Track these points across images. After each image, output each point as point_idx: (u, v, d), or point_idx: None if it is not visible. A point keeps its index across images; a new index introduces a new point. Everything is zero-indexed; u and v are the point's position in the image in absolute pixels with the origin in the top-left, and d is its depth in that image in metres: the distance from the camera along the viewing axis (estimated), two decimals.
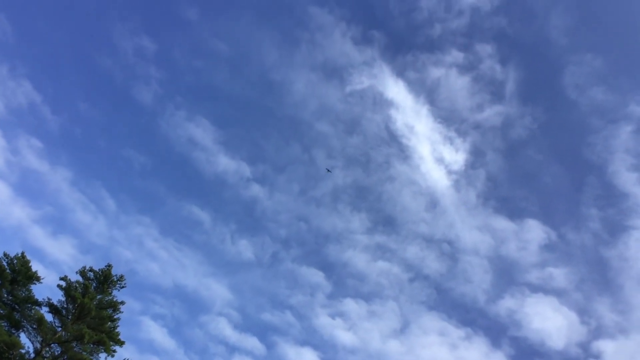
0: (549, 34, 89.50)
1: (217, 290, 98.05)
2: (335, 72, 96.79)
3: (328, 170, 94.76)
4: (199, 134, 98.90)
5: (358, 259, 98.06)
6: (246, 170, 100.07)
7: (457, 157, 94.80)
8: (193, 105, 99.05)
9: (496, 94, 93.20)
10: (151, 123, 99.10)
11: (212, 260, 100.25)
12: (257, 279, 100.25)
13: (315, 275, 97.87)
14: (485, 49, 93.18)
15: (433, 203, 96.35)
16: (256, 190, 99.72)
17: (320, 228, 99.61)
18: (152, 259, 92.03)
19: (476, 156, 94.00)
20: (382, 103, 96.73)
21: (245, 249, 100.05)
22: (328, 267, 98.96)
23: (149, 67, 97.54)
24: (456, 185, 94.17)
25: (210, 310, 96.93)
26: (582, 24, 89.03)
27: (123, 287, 33.02)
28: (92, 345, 30.08)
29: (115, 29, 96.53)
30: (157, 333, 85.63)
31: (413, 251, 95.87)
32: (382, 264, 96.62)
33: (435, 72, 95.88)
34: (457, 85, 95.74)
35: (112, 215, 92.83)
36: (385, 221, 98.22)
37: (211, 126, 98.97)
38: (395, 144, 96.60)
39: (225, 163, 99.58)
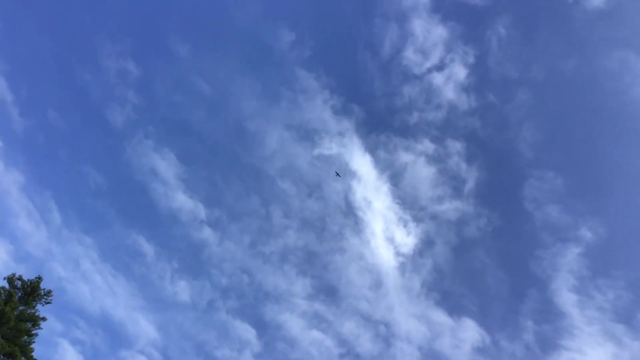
0: (518, 144, 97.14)
1: (144, 327, 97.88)
2: (307, 134, 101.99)
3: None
4: (162, 167, 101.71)
5: (293, 324, 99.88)
6: (201, 211, 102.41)
7: (408, 240, 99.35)
8: (163, 137, 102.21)
9: (457, 190, 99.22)
10: (117, 146, 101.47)
11: (146, 295, 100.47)
12: (188, 323, 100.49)
13: (248, 332, 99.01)
14: (455, 146, 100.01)
15: (377, 282, 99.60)
16: (207, 233, 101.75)
17: (263, 285, 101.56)
18: (85, 281, 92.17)
19: (427, 245, 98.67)
20: (346, 172, 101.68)
21: (182, 290, 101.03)
22: (262, 326, 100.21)
23: (127, 90, 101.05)
24: (402, 268, 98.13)
25: (132, 346, 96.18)
26: (550, 142, 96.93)
27: (48, 302, 34.16)
28: (2, 357, 30.33)
29: (104, 47, 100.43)
30: (72, 359, 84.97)
31: (349, 327, 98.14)
32: (316, 334, 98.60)
33: (404, 157, 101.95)
34: (422, 174, 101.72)
35: (55, 228, 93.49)
36: (328, 291, 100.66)
37: (176, 161, 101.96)
38: (351, 215, 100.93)
39: (182, 200, 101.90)
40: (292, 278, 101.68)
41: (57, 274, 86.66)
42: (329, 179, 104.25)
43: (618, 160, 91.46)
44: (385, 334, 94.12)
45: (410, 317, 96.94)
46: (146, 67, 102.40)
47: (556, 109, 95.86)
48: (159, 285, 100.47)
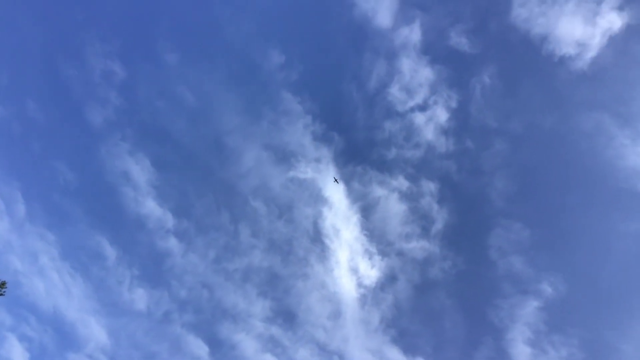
0: (489, 192, 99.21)
1: (96, 331, 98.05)
2: (285, 156, 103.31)
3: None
4: (136, 171, 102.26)
5: (248, 345, 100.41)
6: (169, 221, 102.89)
7: (371, 273, 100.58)
8: (140, 141, 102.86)
9: (426, 230, 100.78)
10: (92, 145, 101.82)
11: (102, 299, 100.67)
12: (141, 332, 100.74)
13: (200, 348, 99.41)
14: (428, 186, 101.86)
15: (337, 312, 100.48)
16: (172, 244, 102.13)
17: (222, 302, 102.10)
18: (41, 277, 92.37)
19: (389, 280, 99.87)
20: (318, 198, 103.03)
21: (140, 298, 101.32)
22: (216, 344, 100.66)
23: (110, 91, 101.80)
24: (363, 300, 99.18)
25: (81, 349, 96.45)
26: (521, 194, 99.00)
27: (1, 294, 34.34)
28: None
29: (92, 46, 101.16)
30: (17, 355, 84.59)
31: (303, 354, 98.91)
32: (269, 358, 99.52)
33: (378, 191, 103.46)
34: (394, 209, 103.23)
35: (18, 220, 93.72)
36: (287, 316, 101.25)
37: (150, 167, 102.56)
38: (318, 242, 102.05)
39: (151, 207, 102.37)
40: (252, 298, 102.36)
41: (13, 267, 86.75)
42: (300, 203, 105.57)
43: (584, 220, 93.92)
44: None
45: (365, 351, 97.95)
46: (132, 71, 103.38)
47: (530, 163, 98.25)
48: (116, 291, 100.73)
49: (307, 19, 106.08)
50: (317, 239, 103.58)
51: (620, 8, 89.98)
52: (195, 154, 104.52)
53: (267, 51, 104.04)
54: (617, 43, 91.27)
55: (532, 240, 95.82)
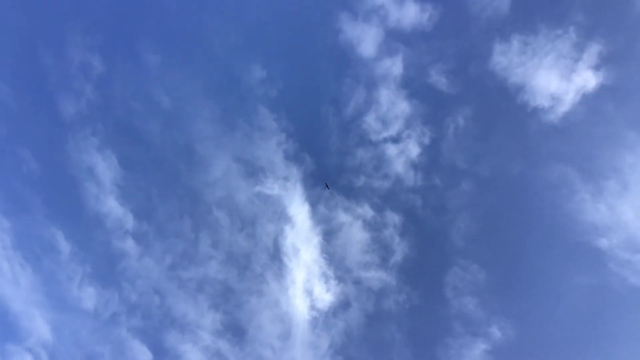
0: (451, 231, 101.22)
1: (39, 325, 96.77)
2: (254, 171, 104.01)
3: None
4: (102, 168, 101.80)
5: (193, 357, 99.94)
6: (129, 222, 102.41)
7: (326, 297, 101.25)
8: (110, 138, 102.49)
9: (385, 261, 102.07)
10: (60, 136, 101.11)
11: (50, 293, 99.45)
12: (85, 331, 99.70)
13: (144, 355, 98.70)
14: (393, 218, 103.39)
15: (287, 333, 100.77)
16: (129, 245, 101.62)
17: (172, 310, 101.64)
18: None
19: (343, 306, 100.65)
20: (281, 216, 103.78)
21: (89, 296, 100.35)
22: (160, 352, 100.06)
23: (86, 84, 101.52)
24: (314, 323, 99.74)
25: (22, 342, 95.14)
26: (481, 237, 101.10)
27: None
28: None
29: (74, 36, 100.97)
30: None
31: None
32: None
33: (342, 217, 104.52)
34: (356, 237, 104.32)
35: None
36: (236, 331, 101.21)
37: (117, 165, 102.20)
38: (277, 260, 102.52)
39: (113, 206, 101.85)
40: (203, 310, 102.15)
41: None
42: (263, 218, 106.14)
43: (539, 269, 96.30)
44: None
45: None
46: (111, 67, 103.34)
47: (494, 207, 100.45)
48: (66, 286, 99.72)
49: (293, 38, 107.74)
50: (276, 256, 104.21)
51: (596, 68, 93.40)
52: (164, 158, 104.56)
53: (250, 65, 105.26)
54: (590, 101, 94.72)
55: (487, 283, 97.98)
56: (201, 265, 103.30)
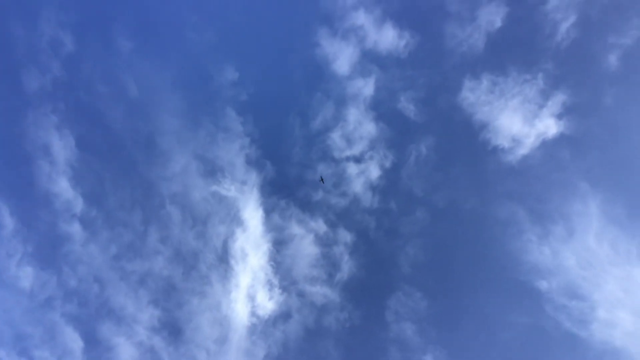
0: (399, 256, 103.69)
1: None
2: (213, 170, 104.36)
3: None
4: (57, 148, 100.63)
5: (125, 350, 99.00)
6: (79, 206, 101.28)
7: (268, 305, 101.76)
8: (70, 118, 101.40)
9: (332, 277, 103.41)
10: (18, 110, 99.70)
11: None
12: (18, 311, 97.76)
13: (75, 342, 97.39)
14: (345, 236, 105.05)
15: (224, 337, 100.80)
16: (75, 229, 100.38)
17: (110, 300, 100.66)
18: None
19: (283, 317, 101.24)
20: (234, 218, 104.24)
21: (26, 276, 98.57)
22: (92, 341, 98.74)
23: (54, 61, 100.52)
24: (252, 330, 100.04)
25: None
26: (428, 266, 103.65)
27: None
28: None
29: (48, 10, 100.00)
30: None
31: None
32: None
33: (295, 228, 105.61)
34: (306, 250, 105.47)
35: None
36: (173, 330, 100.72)
37: (74, 147, 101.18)
38: (223, 262, 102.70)
39: (64, 187, 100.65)
40: (142, 304, 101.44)
41: None
42: (215, 219, 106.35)
43: (479, 304, 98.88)
44: None
45: None
46: (82, 47, 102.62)
47: (444, 238, 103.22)
48: (4, 263, 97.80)
49: (269, 45, 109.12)
50: (224, 258, 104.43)
51: (558, 117, 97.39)
52: (123, 145, 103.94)
53: (223, 65, 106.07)
54: (548, 147, 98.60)
55: (428, 312, 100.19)
56: (147, 259, 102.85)
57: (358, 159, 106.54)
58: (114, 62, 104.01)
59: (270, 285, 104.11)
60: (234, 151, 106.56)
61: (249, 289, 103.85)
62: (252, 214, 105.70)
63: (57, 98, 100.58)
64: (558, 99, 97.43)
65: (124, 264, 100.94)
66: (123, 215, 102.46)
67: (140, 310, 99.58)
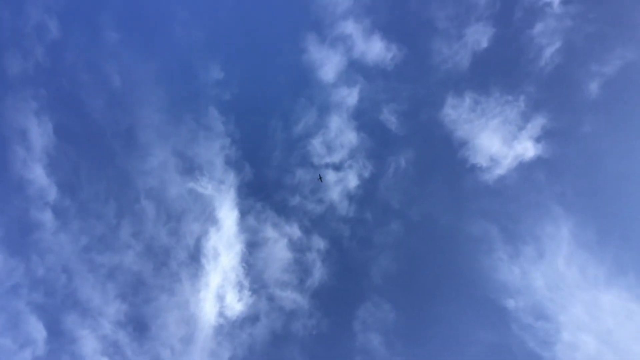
0: (370, 267, 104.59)
1: None
2: (191, 168, 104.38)
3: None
4: (35, 133, 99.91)
5: (88, 343, 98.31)
6: (52, 194, 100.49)
7: (236, 306, 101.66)
8: (50, 105, 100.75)
9: (302, 284, 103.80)
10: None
11: None
12: None
13: (39, 332, 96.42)
14: (319, 243, 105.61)
15: (190, 337, 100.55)
16: (47, 218, 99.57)
17: (76, 291, 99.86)
18: None
19: (251, 320, 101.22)
20: (209, 217, 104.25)
21: None
22: (56, 332, 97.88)
23: (38, 46, 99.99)
24: (218, 331, 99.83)
25: None
26: (399, 278, 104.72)
27: None
28: None
29: None
30: None
31: None
32: None
33: (270, 231, 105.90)
34: (279, 254, 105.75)
35: None
36: (138, 326, 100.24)
37: (52, 134, 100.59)
38: (195, 260, 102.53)
39: (39, 175, 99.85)
40: (109, 298, 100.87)
41: None
42: (190, 216, 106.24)
43: (446, 319, 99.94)
44: None
45: None
46: (67, 34, 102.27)
47: (417, 251, 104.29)
48: None
49: (257, 47, 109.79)
50: (195, 256, 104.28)
51: (537, 140, 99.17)
52: (102, 136, 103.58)
53: (209, 63, 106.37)
54: (525, 169, 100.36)
55: (395, 324, 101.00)
56: (117, 252, 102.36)
57: (337, 167, 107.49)
58: (99, 52, 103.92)
59: (240, 286, 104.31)
60: (213, 150, 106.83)
61: (218, 289, 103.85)
62: (227, 214, 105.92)
63: (39, 84, 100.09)
64: (538, 122, 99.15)
65: (93, 256, 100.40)
66: (96, 207, 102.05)
67: (107, 304, 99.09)
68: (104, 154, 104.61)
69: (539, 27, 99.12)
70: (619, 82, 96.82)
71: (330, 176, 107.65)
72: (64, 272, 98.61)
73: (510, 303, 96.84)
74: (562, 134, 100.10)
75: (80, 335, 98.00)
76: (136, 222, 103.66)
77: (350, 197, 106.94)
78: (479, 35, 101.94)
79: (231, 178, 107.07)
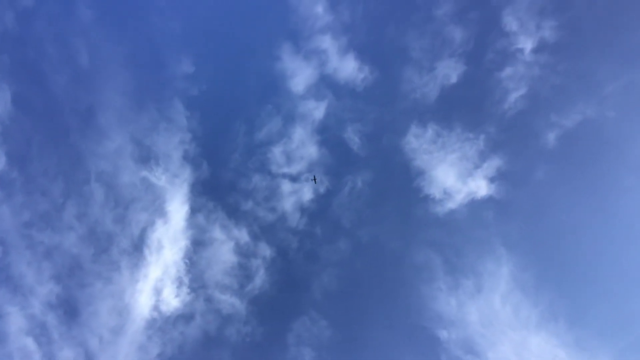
0: (312, 281, 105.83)
1: None
2: (147, 157, 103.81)
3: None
4: None
5: (14, 321, 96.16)
6: (0, 164, 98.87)
7: (173, 301, 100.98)
8: (12, 73, 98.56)
9: (243, 289, 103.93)
10: None
11: None
12: None
13: None
14: (265, 251, 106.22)
15: (120, 328, 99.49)
16: None
17: (11, 267, 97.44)
18: None
19: (187, 318, 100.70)
20: (158, 209, 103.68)
21: None
22: None
23: (8, 12, 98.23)
24: (150, 325, 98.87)
25: None
26: (339, 296, 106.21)
27: None
28: None
29: None
30: None
31: (66, 355, 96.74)
32: (30, 343, 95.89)
33: (218, 232, 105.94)
34: (224, 257, 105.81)
35: None
36: (69, 310, 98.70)
37: (9, 103, 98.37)
38: (138, 250, 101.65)
39: None
40: (43, 278, 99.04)
41: None
42: (139, 205, 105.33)
43: (379, 342, 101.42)
44: None
45: None
46: (41, 4, 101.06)
47: (360, 272, 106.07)
48: None
49: (231, 48, 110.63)
50: (138, 246, 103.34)
51: (491, 180, 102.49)
52: (61, 112, 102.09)
53: (181, 56, 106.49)
54: (475, 206, 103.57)
55: (329, 342, 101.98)
56: (58, 232, 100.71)
57: (294, 179, 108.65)
58: (70, 27, 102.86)
59: (179, 282, 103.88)
60: (172, 143, 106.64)
61: (157, 282, 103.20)
62: (177, 208, 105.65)
63: (3, 50, 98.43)
64: (494, 163, 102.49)
65: (33, 233, 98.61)
66: (44, 183, 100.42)
67: (40, 284, 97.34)
68: (60, 130, 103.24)
69: (508, 71, 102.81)
70: (575, 136, 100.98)
71: (286, 186, 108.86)
72: (1, 244, 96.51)
73: (443, 334, 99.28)
74: (515, 177, 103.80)
75: (7, 311, 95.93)
76: (82, 204, 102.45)
77: (302, 209, 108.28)
78: (450, 70, 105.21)
79: (186, 173, 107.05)
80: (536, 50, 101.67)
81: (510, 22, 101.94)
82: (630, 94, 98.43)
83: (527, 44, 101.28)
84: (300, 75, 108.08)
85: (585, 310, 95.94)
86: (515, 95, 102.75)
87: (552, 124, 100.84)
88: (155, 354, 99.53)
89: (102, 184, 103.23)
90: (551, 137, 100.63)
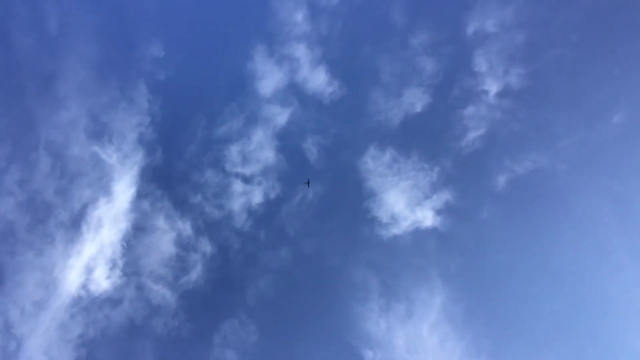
0: (249, 285, 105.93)
1: None
2: (101, 133, 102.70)
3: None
4: None
5: None
6: None
7: (104, 283, 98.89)
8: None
9: (177, 282, 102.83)
10: None
11: None
12: None
13: None
14: (206, 247, 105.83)
15: (42, 302, 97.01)
16: None
17: None
18: None
19: (114, 302, 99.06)
20: (103, 187, 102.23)
21: None
22: None
23: None
24: (75, 303, 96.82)
25: None
26: (271, 304, 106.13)
27: None
28: None
29: None
30: None
31: None
32: None
33: (161, 221, 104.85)
34: (163, 247, 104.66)
35: None
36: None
37: None
38: (75, 225, 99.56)
39: None
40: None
41: None
42: (84, 180, 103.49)
43: (302, 356, 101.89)
44: None
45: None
46: None
47: (297, 284, 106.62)
48: None
49: (205, 39, 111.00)
50: (77, 222, 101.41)
51: (438, 212, 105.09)
52: (19, 75, 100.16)
53: (152, 38, 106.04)
54: (419, 237, 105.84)
55: (255, 347, 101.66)
56: (12, 210, 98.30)
57: (247, 180, 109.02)
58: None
59: (113, 264, 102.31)
60: (130, 124, 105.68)
61: (90, 260, 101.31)
62: (124, 190, 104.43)
63: None
64: (443, 197, 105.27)
65: None
66: (7, 159, 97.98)
67: None
68: (16, 92, 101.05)
69: (470, 110, 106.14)
70: (525, 182, 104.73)
71: (237, 186, 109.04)
72: None
73: (369, 354, 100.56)
74: (461, 213, 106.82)
75: None
76: (26, 170, 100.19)
77: (250, 212, 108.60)
78: (416, 99, 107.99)
79: (139, 156, 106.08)
80: (500, 95, 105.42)
81: (480, 63, 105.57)
82: (583, 149, 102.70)
83: (492, 87, 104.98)
84: (269, 79, 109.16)
85: (506, 349, 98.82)
86: (474, 134, 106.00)
87: (505, 167, 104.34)
88: (77, 334, 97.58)
89: (50, 152, 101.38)
90: (501, 180, 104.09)
